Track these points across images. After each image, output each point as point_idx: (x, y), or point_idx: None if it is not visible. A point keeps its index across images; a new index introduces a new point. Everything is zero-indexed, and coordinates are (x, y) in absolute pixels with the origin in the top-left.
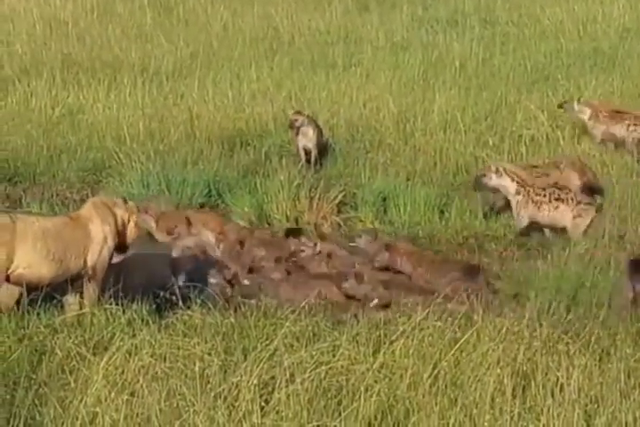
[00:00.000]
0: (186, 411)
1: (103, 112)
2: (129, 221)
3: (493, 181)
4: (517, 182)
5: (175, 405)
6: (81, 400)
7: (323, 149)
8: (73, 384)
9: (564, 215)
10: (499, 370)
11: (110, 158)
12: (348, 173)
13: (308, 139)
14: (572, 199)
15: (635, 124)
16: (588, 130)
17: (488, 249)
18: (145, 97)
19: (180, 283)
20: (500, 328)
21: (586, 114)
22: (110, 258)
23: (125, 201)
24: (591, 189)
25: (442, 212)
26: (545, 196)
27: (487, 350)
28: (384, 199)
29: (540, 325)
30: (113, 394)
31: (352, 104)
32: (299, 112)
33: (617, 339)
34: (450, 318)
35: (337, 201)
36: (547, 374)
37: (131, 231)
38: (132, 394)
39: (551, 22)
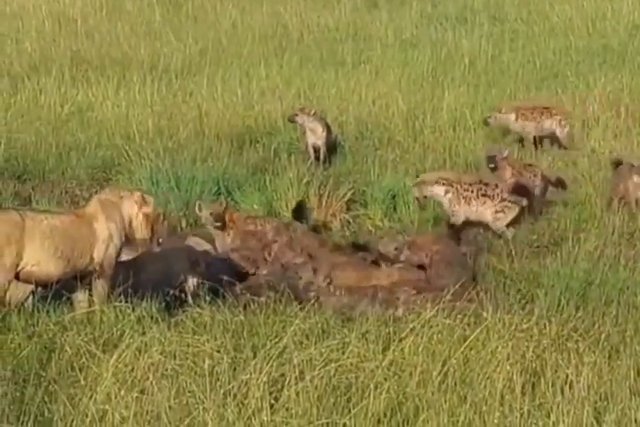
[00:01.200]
0: (195, 408)
1: (112, 110)
2: (137, 214)
3: (424, 191)
4: (443, 184)
5: (185, 402)
6: (90, 398)
7: (332, 146)
8: (82, 382)
9: (488, 210)
10: (508, 367)
11: (119, 156)
12: (357, 170)
13: (317, 136)
14: (498, 195)
15: (565, 119)
16: (515, 131)
17: (497, 246)
18: (154, 94)
19: (196, 281)
20: (510, 326)
21: (511, 117)
22: (118, 255)
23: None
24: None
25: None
26: (472, 191)
27: (496, 348)
28: (393, 197)
29: (550, 322)
30: (122, 391)
31: (361, 101)
32: (302, 109)
33: (626, 336)
34: (459, 316)
35: (346, 198)
36: (556, 371)
37: (139, 224)
38: (141, 391)
39: (560, 19)
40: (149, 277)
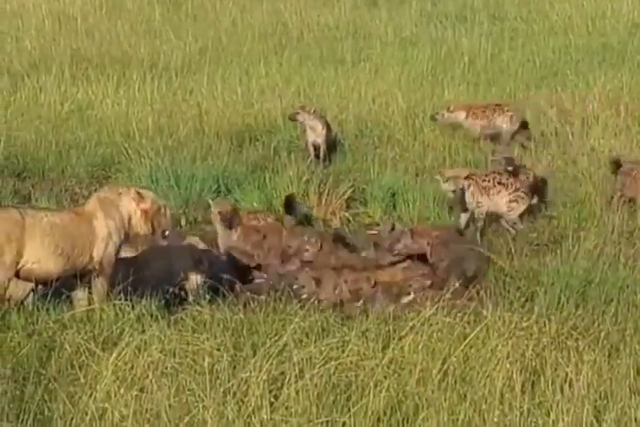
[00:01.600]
0: (195, 406)
1: (112, 108)
2: (135, 210)
3: (458, 184)
4: (464, 178)
5: (184, 400)
6: (90, 396)
7: (331, 144)
8: (82, 380)
9: (503, 199)
10: (508, 366)
11: (119, 154)
12: (356, 168)
13: (316, 134)
14: (512, 184)
15: (517, 116)
16: (465, 128)
17: (497, 245)
18: (154, 93)
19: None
20: (509, 324)
21: (461, 115)
22: (117, 253)
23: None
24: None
25: (451, 207)
26: (489, 181)
27: (496, 346)
28: (393, 195)
29: (549, 320)
30: (122, 390)
31: (361, 99)
32: (303, 107)
33: (626, 334)
34: (459, 314)
35: (346, 196)
36: (556, 369)
37: (138, 220)
38: (141, 390)
39: (560, 18)
40: (152, 274)
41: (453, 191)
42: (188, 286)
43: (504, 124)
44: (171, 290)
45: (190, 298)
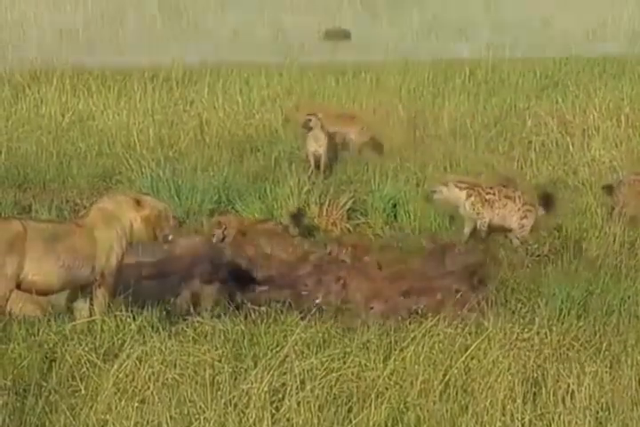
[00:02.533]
0: (196, 418)
1: (113, 118)
2: (135, 217)
3: (444, 193)
4: (465, 188)
5: (186, 412)
6: (91, 408)
7: (332, 154)
8: (83, 391)
9: (511, 213)
10: (509, 377)
11: (120, 165)
12: (357, 179)
13: (318, 144)
14: (520, 198)
15: (367, 129)
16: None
17: (498, 255)
18: (155, 103)
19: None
20: (511, 335)
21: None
22: (120, 263)
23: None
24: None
25: (452, 217)
26: (494, 194)
27: (498, 357)
28: (394, 205)
29: (551, 331)
30: (123, 401)
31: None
32: (314, 113)
33: (628, 346)
34: (460, 325)
35: (347, 207)
36: (557, 381)
37: (139, 227)
38: (142, 401)
39: (560, 28)
40: (172, 278)
41: (433, 191)
42: (204, 292)
43: (352, 135)
44: (172, 300)
45: (204, 303)
